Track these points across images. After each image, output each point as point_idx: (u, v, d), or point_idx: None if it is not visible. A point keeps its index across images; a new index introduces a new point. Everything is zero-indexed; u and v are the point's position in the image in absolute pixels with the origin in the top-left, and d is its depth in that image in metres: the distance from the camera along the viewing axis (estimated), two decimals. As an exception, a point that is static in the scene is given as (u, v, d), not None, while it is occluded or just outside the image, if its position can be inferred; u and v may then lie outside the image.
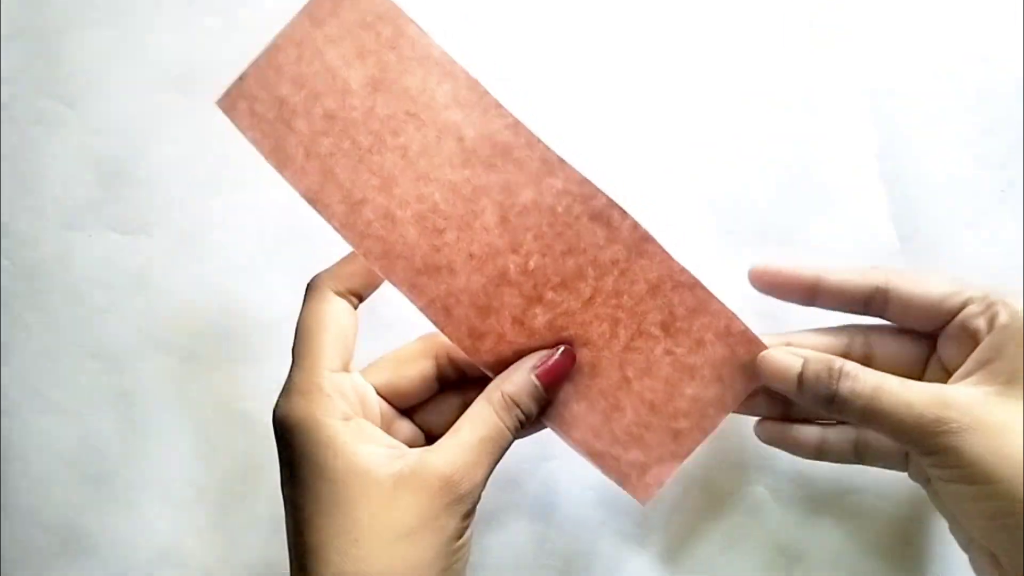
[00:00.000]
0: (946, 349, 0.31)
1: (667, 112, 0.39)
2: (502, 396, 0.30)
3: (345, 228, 0.31)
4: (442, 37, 0.31)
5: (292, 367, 0.31)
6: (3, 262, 0.43)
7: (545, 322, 0.31)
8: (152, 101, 0.42)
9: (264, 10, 0.41)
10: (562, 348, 0.31)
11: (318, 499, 0.28)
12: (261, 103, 0.32)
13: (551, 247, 0.31)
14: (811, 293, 0.32)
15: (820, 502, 0.37)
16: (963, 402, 0.28)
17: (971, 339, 0.30)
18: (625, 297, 0.31)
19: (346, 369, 0.31)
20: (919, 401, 0.28)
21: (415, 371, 0.33)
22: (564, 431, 0.32)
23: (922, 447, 0.28)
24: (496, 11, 0.40)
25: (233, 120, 0.32)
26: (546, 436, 0.32)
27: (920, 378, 0.32)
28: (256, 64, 0.32)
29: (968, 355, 0.30)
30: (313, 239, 0.40)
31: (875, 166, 0.37)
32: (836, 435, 0.34)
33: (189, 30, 0.42)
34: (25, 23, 0.43)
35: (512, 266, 0.31)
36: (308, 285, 0.32)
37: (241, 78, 0.32)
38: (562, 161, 0.30)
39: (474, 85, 0.31)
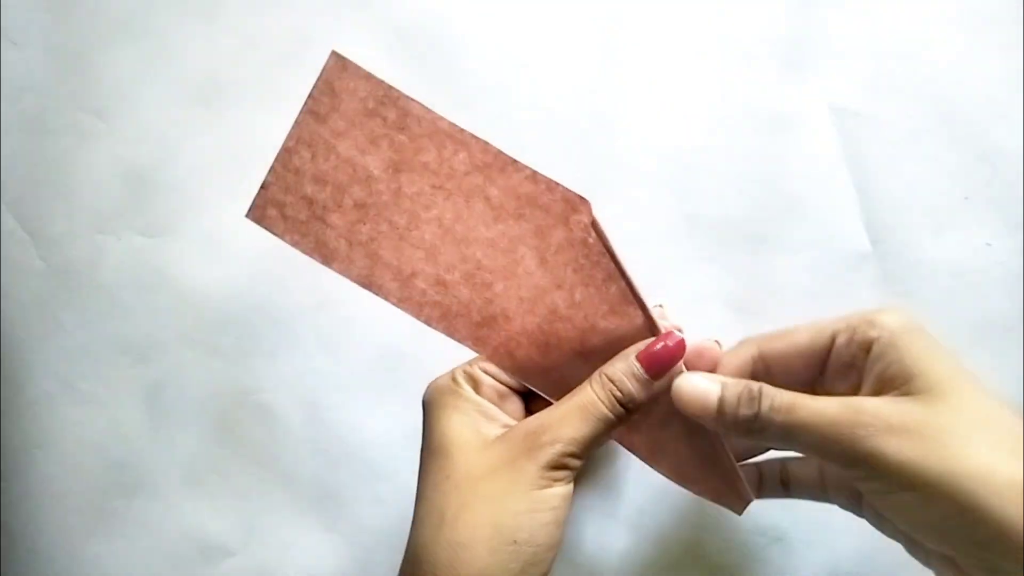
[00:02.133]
0: (835, 387, 0.31)
1: (647, 133, 0.40)
2: (599, 374, 0.31)
3: (403, 303, 0.32)
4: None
5: None
6: (38, 263, 0.44)
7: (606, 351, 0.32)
8: (177, 113, 0.43)
9: (278, 29, 0.42)
10: (674, 336, 0.30)
11: (432, 453, 0.31)
12: (290, 206, 0.32)
13: (592, 276, 0.32)
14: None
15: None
16: (873, 408, 0.27)
17: (849, 367, 0.30)
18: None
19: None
20: (833, 411, 0.27)
21: None
22: (653, 462, 0.33)
23: (844, 458, 0.27)
24: (480, 35, 0.41)
25: (268, 228, 0.32)
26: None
27: None
28: (273, 171, 0.32)
29: (854, 383, 0.30)
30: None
31: (847, 178, 0.39)
32: (766, 468, 0.34)
33: (211, 48, 0.43)
34: (60, 41, 0.44)
35: (560, 301, 0.32)
36: None
37: (263, 187, 0.32)
38: (583, 198, 0.31)
39: (486, 147, 0.31)
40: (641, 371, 0.30)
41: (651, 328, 0.31)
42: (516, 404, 0.34)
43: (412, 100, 0.31)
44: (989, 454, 0.26)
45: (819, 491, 0.33)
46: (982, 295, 0.38)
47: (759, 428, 0.28)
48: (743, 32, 0.40)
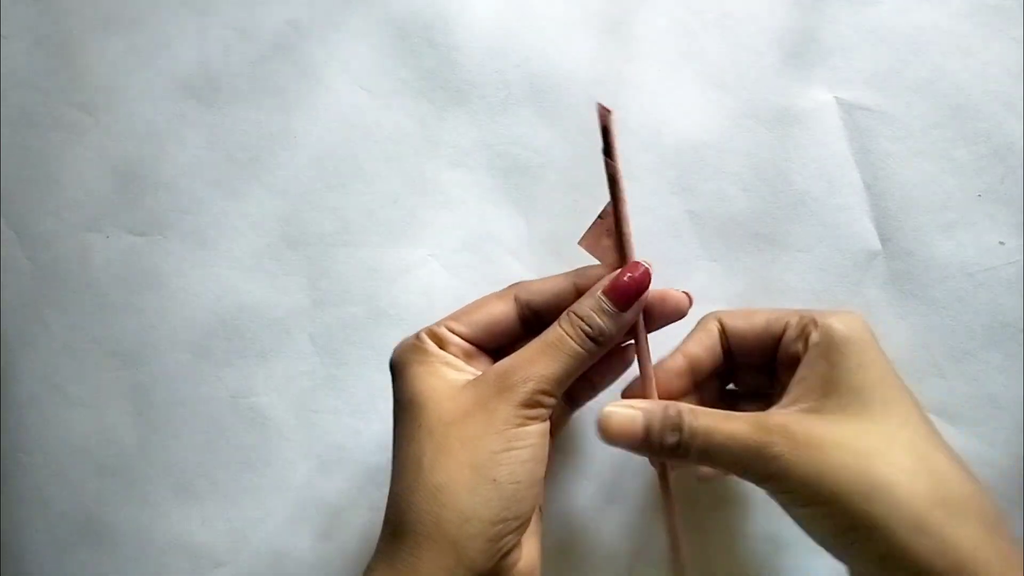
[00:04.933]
0: (781, 376, 0.31)
1: (650, 130, 0.40)
2: (567, 313, 0.31)
3: None
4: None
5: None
6: (24, 262, 0.43)
7: None
8: (167, 109, 0.43)
9: (271, 21, 0.42)
10: (639, 267, 0.31)
11: (404, 408, 0.31)
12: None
13: None
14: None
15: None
16: (780, 425, 0.28)
17: (794, 360, 0.31)
18: None
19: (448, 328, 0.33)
20: (742, 431, 0.28)
21: (498, 312, 0.33)
22: None
23: (755, 476, 0.28)
24: (484, 41, 0.41)
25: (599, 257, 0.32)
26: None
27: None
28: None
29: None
30: (318, 242, 0.42)
31: (855, 175, 0.38)
32: None
33: (202, 42, 0.42)
34: (46, 33, 0.43)
35: None
36: None
37: (601, 217, 0.32)
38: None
39: None
40: (609, 304, 0.31)
41: (620, 254, 0.32)
42: (484, 362, 0.33)
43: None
44: (889, 471, 0.26)
45: None
46: (994, 295, 0.37)
47: (683, 452, 0.29)
48: (748, 25, 0.39)
